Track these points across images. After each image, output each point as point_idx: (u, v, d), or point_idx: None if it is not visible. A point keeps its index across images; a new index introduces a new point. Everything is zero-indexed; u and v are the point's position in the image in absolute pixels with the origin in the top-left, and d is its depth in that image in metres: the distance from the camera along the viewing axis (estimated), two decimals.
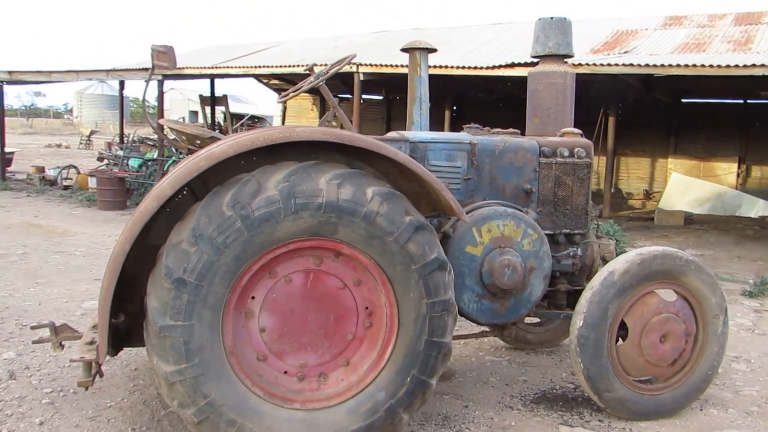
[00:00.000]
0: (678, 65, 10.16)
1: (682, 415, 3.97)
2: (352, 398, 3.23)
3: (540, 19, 4.61)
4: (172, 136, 3.82)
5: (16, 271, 7.14)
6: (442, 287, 3.21)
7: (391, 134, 4.00)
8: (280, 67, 13.65)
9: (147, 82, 3.77)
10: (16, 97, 73.96)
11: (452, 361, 4.86)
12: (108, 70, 13.86)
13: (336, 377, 3.31)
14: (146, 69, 13.77)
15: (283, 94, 4.32)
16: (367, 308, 3.31)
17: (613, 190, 20.11)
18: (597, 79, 11.95)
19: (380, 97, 22.09)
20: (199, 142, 3.70)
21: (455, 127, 17.04)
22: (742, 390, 4.49)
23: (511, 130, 4.23)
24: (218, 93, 17.44)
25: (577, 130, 4.36)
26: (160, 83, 13.49)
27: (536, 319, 4.99)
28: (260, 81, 20.31)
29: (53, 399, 3.93)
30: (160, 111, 14.23)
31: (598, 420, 3.87)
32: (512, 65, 11.45)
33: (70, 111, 60.68)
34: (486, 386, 4.37)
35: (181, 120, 29.67)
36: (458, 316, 3.78)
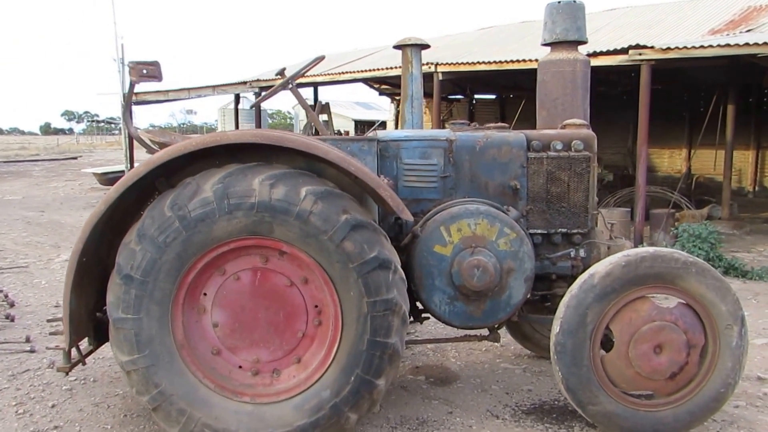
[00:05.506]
0: None
1: None
2: (299, 395, 3.27)
3: (548, 5, 4.33)
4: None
5: None
6: (384, 286, 3.15)
7: (368, 134, 3.99)
8: (362, 72, 13.85)
9: (127, 99, 4.00)
10: (171, 115, 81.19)
11: (462, 366, 4.72)
12: (214, 86, 14.92)
13: (288, 374, 3.36)
14: (243, 83, 14.61)
15: (257, 99, 4.44)
16: (316, 306, 3.32)
17: (757, 189, 18.14)
18: (713, 63, 10.76)
19: (493, 96, 21.66)
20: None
21: None
22: None
23: (500, 124, 4.03)
24: (344, 101, 18.06)
25: (580, 121, 4.05)
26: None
27: None
28: (371, 87, 20.70)
29: (73, 386, 4.34)
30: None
31: None
32: (613, 52, 9.83)
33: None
34: (484, 393, 4.18)
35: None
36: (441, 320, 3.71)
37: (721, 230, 10.31)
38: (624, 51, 9.42)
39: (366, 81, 18.65)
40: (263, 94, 4.26)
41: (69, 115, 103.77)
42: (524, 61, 10.84)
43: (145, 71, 3.61)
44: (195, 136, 3.62)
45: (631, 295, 3.42)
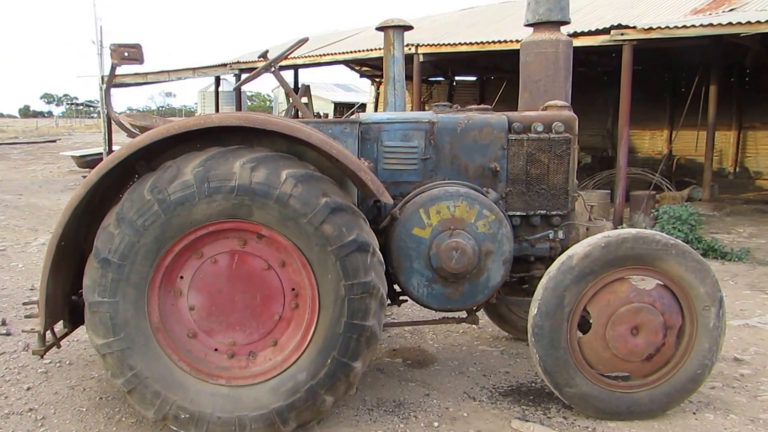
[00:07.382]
0: None
1: (666, 417, 3.57)
2: (275, 377, 3.25)
3: None
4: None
5: None
6: (361, 269, 3.13)
7: (352, 117, 3.94)
8: (343, 54, 13.72)
9: (108, 82, 3.91)
10: (150, 98, 79.98)
11: (439, 348, 4.72)
12: (194, 69, 14.72)
13: (264, 356, 3.34)
14: (224, 65, 14.35)
15: (239, 81, 4.38)
16: (293, 289, 3.30)
17: (738, 170, 18.16)
18: (695, 43, 10.74)
19: (474, 78, 21.60)
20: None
21: None
22: (763, 395, 3.94)
23: (483, 106, 3.99)
24: (324, 83, 17.84)
25: (561, 103, 4.03)
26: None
27: None
28: (352, 69, 20.54)
29: (48, 369, 4.28)
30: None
31: (562, 417, 3.58)
32: (595, 32, 9.76)
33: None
34: (461, 376, 4.19)
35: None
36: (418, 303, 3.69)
37: (702, 212, 10.39)
38: (606, 31, 9.38)
39: (347, 63, 18.48)
40: (244, 77, 4.19)
41: (48, 98, 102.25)
42: (505, 42, 10.79)
43: (126, 54, 3.53)
44: (175, 119, 3.55)
45: (609, 276, 3.43)
